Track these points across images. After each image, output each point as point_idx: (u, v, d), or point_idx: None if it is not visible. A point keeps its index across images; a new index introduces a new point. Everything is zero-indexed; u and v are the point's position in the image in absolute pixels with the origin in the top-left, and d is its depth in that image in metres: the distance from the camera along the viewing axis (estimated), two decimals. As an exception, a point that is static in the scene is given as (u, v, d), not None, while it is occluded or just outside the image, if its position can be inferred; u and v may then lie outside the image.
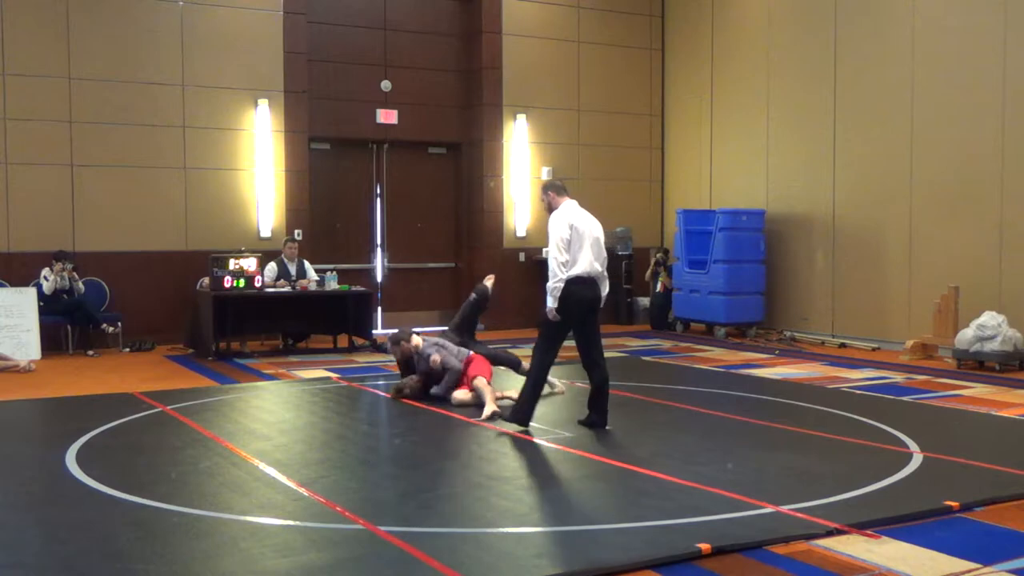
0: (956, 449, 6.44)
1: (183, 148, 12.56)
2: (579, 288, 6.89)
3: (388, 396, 8.61)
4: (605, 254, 7.13)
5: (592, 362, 7.11)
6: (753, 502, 5.13)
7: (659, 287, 14.46)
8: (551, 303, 6.88)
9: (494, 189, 14.48)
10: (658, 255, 14.74)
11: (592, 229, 7.04)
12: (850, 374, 10.03)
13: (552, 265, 6.91)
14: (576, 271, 6.89)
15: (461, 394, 8.18)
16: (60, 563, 4.35)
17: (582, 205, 7.22)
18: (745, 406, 8.23)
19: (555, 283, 6.87)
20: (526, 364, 8.82)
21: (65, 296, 11.52)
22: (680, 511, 5.01)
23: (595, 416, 7.14)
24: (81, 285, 11.66)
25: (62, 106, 11.92)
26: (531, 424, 7.23)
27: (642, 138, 15.68)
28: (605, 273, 7.14)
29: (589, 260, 6.92)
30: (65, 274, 11.46)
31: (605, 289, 7.14)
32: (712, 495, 5.33)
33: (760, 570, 4.25)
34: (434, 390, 8.43)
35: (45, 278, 11.43)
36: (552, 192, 7.23)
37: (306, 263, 12.35)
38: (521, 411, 7.10)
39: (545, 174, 14.76)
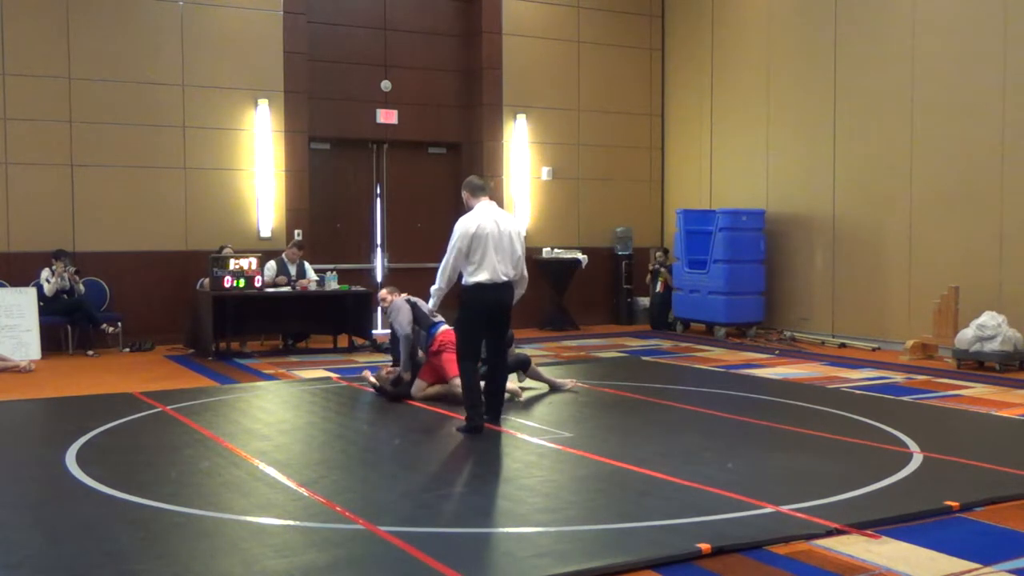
0: (956, 449, 6.43)
1: (183, 148, 12.56)
2: (482, 293, 6.92)
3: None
4: (520, 255, 7.08)
5: (494, 363, 7.20)
6: (753, 502, 5.13)
7: (659, 287, 14.46)
8: (431, 304, 7.19)
9: (494, 189, 14.47)
10: (657, 255, 14.75)
11: (504, 230, 6.98)
12: (850, 374, 10.03)
13: (440, 272, 7.04)
14: (478, 277, 6.89)
15: (426, 387, 8.44)
16: (60, 563, 4.35)
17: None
18: (745, 406, 8.23)
19: (436, 287, 7.08)
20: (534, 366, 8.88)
21: (65, 296, 11.52)
22: (680, 511, 5.01)
23: (487, 411, 7.13)
24: (82, 286, 11.66)
25: (62, 106, 11.92)
26: (531, 424, 7.22)
27: (642, 138, 15.67)
28: (523, 274, 7.17)
29: (492, 266, 6.89)
30: (66, 275, 11.46)
31: (521, 290, 7.19)
32: (712, 495, 5.33)
33: (760, 570, 4.25)
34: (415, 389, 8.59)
35: (47, 280, 11.43)
36: (467, 192, 7.22)
37: (306, 263, 12.35)
38: (472, 420, 6.97)
39: (545, 174, 14.77)
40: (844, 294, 12.78)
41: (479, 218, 6.97)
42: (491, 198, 7.29)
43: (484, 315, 6.98)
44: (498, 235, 6.95)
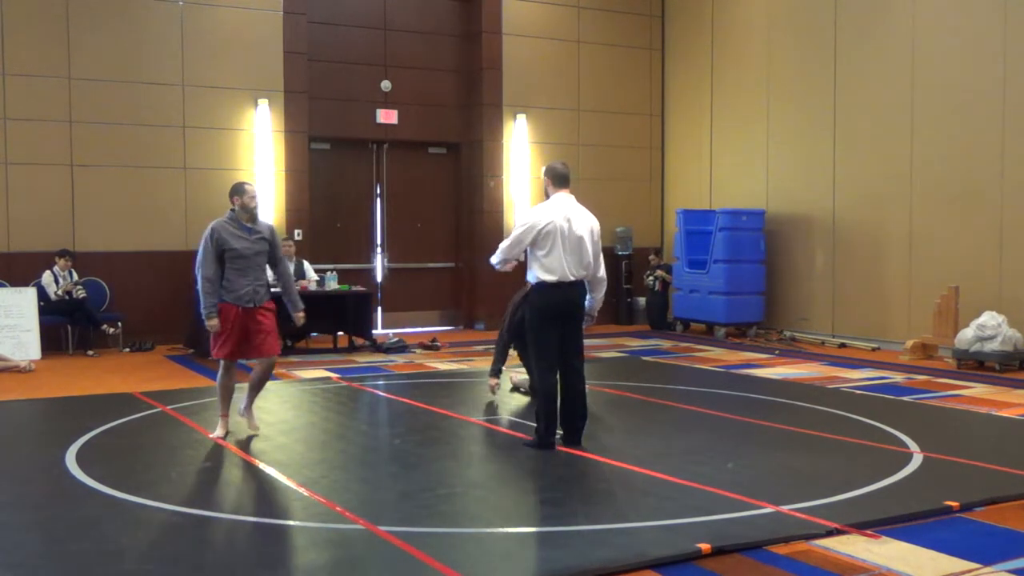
0: (956, 449, 6.44)
1: (183, 148, 12.56)
2: (551, 293, 6.41)
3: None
4: (590, 258, 6.51)
5: (564, 369, 6.55)
6: (753, 502, 5.13)
7: (657, 286, 14.47)
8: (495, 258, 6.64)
9: (494, 189, 14.48)
10: (651, 258, 14.83)
11: (576, 228, 6.44)
12: (850, 374, 10.03)
13: (498, 249, 6.58)
14: (546, 276, 6.39)
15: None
16: (60, 563, 4.35)
17: (582, 204, 6.84)
18: (745, 406, 8.23)
19: (493, 260, 6.62)
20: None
21: (67, 297, 11.52)
22: (680, 511, 5.01)
23: (563, 432, 6.57)
24: (83, 291, 11.62)
25: (62, 106, 11.92)
26: (531, 424, 7.21)
27: (642, 138, 15.67)
28: (599, 276, 6.61)
29: (561, 264, 6.37)
30: (69, 278, 11.46)
31: (598, 293, 6.65)
32: (712, 495, 5.33)
33: (760, 570, 4.25)
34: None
35: (52, 283, 11.42)
36: (549, 178, 6.65)
37: (305, 263, 12.34)
38: (541, 433, 6.49)
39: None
40: (844, 294, 12.78)
41: (550, 212, 6.44)
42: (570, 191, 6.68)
43: (553, 316, 6.48)
44: (568, 232, 6.41)
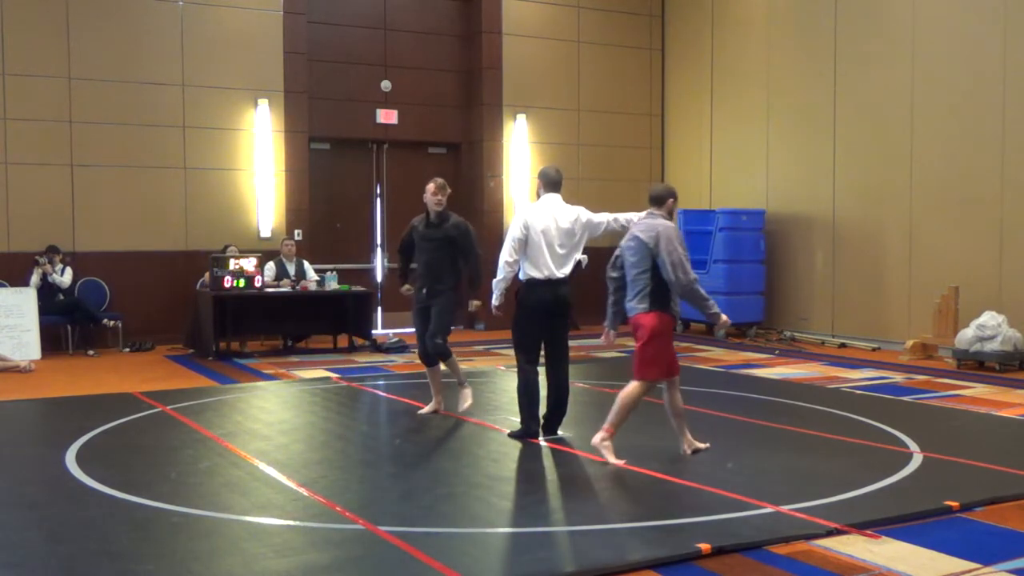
0: (956, 449, 6.43)
1: (183, 148, 12.56)
2: (536, 290, 6.70)
3: None
4: (577, 255, 6.85)
5: (550, 363, 6.86)
6: (753, 502, 5.13)
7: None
8: (494, 300, 6.84)
9: (494, 189, 14.48)
10: None
11: (562, 226, 6.72)
12: (850, 374, 10.03)
13: (500, 262, 6.77)
14: (532, 273, 6.70)
15: None
16: (60, 563, 4.35)
17: (582, 204, 6.96)
18: (745, 406, 8.23)
19: (496, 281, 6.77)
20: None
21: (62, 296, 11.51)
22: (680, 511, 5.02)
23: (544, 421, 6.86)
24: (65, 278, 11.57)
25: (62, 106, 11.92)
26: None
27: (642, 138, 15.67)
28: (612, 219, 6.92)
29: (546, 262, 6.68)
30: (48, 268, 11.41)
31: (629, 215, 6.91)
32: (712, 495, 5.33)
33: (760, 570, 4.25)
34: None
35: (44, 277, 11.44)
36: (541, 181, 6.97)
37: (305, 263, 12.34)
38: (524, 425, 6.83)
39: (545, 174, 14.75)
40: (844, 294, 12.77)
41: (536, 212, 6.75)
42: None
43: (541, 313, 6.73)
44: (556, 230, 6.71)
